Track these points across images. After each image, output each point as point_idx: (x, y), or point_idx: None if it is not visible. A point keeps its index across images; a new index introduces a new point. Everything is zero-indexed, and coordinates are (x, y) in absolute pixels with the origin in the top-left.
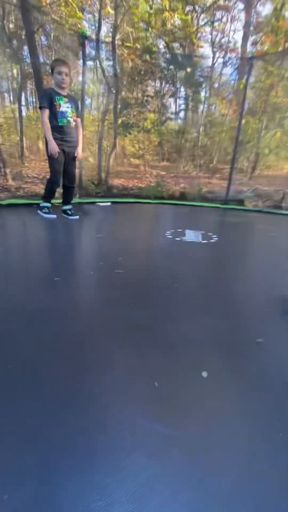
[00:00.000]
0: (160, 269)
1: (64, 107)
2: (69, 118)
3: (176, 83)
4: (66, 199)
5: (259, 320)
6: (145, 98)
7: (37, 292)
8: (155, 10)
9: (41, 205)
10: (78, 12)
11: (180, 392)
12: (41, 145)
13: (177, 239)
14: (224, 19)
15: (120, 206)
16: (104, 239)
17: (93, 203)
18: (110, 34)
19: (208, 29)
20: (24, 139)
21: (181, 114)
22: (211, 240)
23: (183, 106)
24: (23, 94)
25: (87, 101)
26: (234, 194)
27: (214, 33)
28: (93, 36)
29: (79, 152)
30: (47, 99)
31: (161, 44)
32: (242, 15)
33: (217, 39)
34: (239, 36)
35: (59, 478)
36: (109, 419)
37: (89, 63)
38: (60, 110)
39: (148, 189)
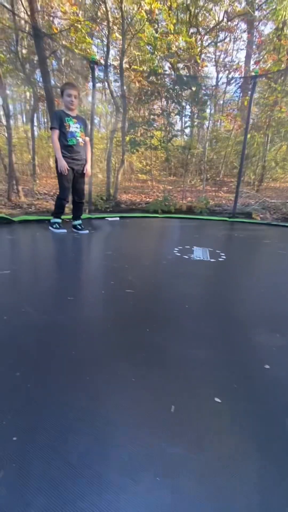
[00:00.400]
0: (170, 289)
1: (73, 127)
2: (78, 138)
3: (182, 102)
4: (76, 215)
5: (267, 345)
6: (152, 116)
7: (50, 311)
8: (160, 33)
9: (51, 221)
10: (87, 37)
11: (192, 416)
12: (51, 162)
13: (185, 256)
14: (227, 40)
15: (128, 220)
16: (113, 256)
17: (102, 218)
18: (118, 58)
19: (211, 49)
20: (36, 157)
21: (187, 130)
22: (219, 259)
23: (189, 123)
24: (35, 115)
25: (96, 120)
26: (241, 207)
27: (217, 53)
28: (102, 60)
29: (88, 169)
30: (57, 120)
31: (167, 66)
32: (245, 35)
33: (221, 58)
34: (242, 55)
35: (71, 496)
36: (119, 440)
37: (98, 85)
38: (70, 130)
39: (155, 204)
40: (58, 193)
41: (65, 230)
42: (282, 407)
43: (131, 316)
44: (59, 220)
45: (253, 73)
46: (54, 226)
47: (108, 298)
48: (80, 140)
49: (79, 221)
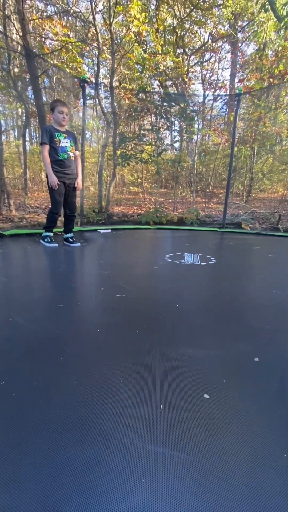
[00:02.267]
0: (161, 292)
1: (64, 142)
2: (68, 152)
3: (170, 118)
4: (68, 228)
5: (258, 339)
6: (142, 132)
7: (39, 319)
8: (149, 53)
9: (43, 234)
10: (78, 57)
11: (183, 414)
12: (43, 176)
13: (177, 262)
14: (213, 60)
15: (120, 232)
16: (105, 265)
17: (94, 230)
18: (108, 76)
19: (198, 68)
20: (28, 171)
21: (177, 144)
22: (210, 262)
23: (178, 138)
24: (27, 131)
25: (88, 135)
26: (231, 218)
27: (204, 72)
28: (92, 79)
29: (79, 182)
30: (47, 136)
31: (155, 84)
32: (229, 55)
33: (207, 77)
34: (227, 73)
35: (60, 500)
36: (111, 443)
37: (89, 101)
38: (60, 145)
39: (147, 215)
40: (50, 206)
41: (56, 244)
42: (271, 397)
43: (121, 320)
44: (50, 234)
45: (237, 91)
46: (46, 240)
47: (99, 304)
48: (71, 154)
49: (71, 234)
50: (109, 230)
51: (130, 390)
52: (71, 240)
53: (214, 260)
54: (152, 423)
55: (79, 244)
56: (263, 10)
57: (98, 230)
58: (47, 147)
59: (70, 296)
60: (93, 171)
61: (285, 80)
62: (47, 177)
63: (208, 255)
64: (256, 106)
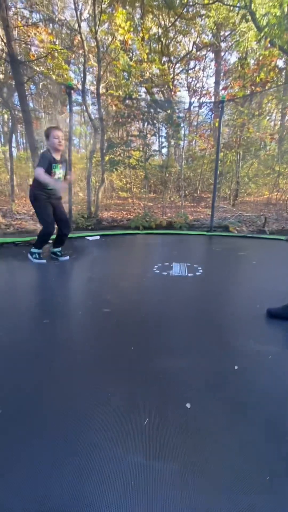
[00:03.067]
0: (147, 306)
1: (58, 174)
2: (56, 172)
3: (157, 124)
4: (57, 246)
5: (240, 349)
6: (129, 138)
7: (24, 336)
8: (135, 61)
9: (31, 250)
10: (64, 64)
11: (167, 425)
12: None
13: (164, 273)
14: (197, 68)
15: (110, 239)
16: (92, 278)
17: (83, 237)
18: (95, 83)
19: (183, 76)
20: (14, 178)
21: (164, 150)
22: (197, 273)
23: (165, 143)
24: (13, 137)
25: (76, 140)
26: (219, 221)
27: (189, 79)
28: (79, 86)
29: (71, 176)
30: (46, 164)
31: (142, 91)
32: (213, 64)
33: (192, 84)
34: (211, 81)
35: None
36: (98, 455)
37: (77, 108)
38: (54, 177)
39: (136, 220)
40: (41, 229)
41: (44, 261)
42: (251, 403)
43: (107, 334)
44: (40, 251)
45: (221, 98)
46: (34, 256)
47: (85, 319)
48: (58, 175)
49: (59, 249)
50: (98, 237)
51: (116, 404)
52: (59, 254)
53: (201, 271)
54: (138, 436)
55: (67, 257)
56: (244, 20)
57: (87, 237)
58: (43, 170)
59: (57, 311)
60: (81, 176)
61: (266, 87)
62: (32, 200)
63: (196, 264)
64: (240, 113)
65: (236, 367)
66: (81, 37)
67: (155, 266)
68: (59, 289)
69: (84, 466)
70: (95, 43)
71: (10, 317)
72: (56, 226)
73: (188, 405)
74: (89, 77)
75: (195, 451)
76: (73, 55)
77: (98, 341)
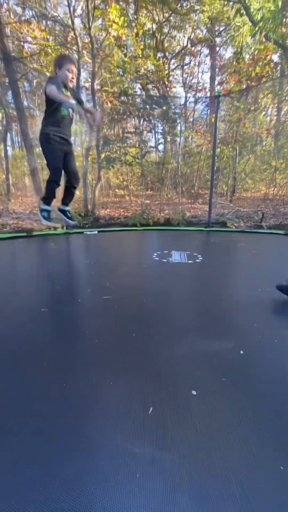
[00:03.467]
0: (148, 292)
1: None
2: (69, 110)
3: (153, 120)
4: (67, 201)
5: (244, 333)
6: (125, 134)
7: (23, 324)
8: (129, 57)
9: (41, 207)
10: None
11: (173, 413)
12: (27, 181)
13: (164, 260)
14: (192, 63)
15: (107, 233)
16: (91, 265)
17: (81, 233)
18: (89, 80)
19: (178, 71)
20: (10, 177)
21: (160, 147)
22: (197, 260)
23: (161, 140)
24: (8, 135)
25: (71, 138)
26: (216, 217)
27: (184, 75)
28: (74, 82)
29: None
30: (56, 84)
31: (137, 87)
32: (208, 59)
33: (188, 80)
34: (207, 76)
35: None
36: (101, 443)
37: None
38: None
39: (134, 217)
40: (48, 180)
41: (53, 223)
42: (259, 388)
43: (108, 322)
44: (49, 208)
45: (216, 93)
46: (43, 214)
47: (85, 306)
48: (72, 114)
49: (69, 208)
50: (96, 232)
51: (120, 393)
52: (69, 215)
53: (201, 258)
54: (143, 425)
55: (75, 222)
56: (238, 15)
57: (85, 232)
58: (55, 88)
59: (55, 299)
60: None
61: (261, 82)
62: (42, 139)
63: (195, 253)
64: (236, 108)
65: (241, 352)
66: (74, 34)
67: (154, 254)
68: (56, 276)
69: (87, 459)
70: (89, 39)
71: (6, 307)
72: (63, 178)
73: (194, 392)
74: (83, 74)
75: (201, 439)
76: (67, 52)
77: (98, 329)
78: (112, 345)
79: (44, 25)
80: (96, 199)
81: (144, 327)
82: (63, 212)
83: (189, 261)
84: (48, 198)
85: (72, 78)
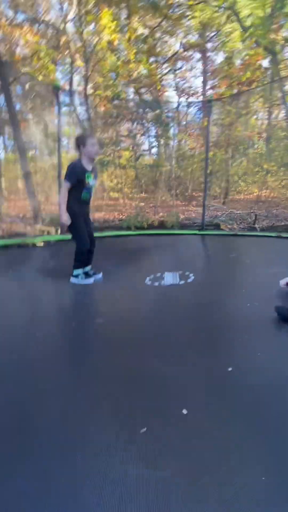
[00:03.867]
0: (142, 315)
1: (91, 183)
2: (91, 191)
3: (146, 123)
4: (89, 263)
5: (232, 350)
6: (119, 138)
7: (16, 348)
8: (122, 61)
9: (74, 273)
10: (50, 64)
11: (164, 433)
12: (20, 184)
13: (156, 284)
14: (184, 68)
15: (100, 242)
16: (83, 288)
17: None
18: (83, 84)
19: (171, 76)
20: (2, 180)
21: (154, 150)
22: (188, 280)
23: (155, 143)
24: (1, 139)
25: (65, 141)
26: (210, 219)
27: (177, 79)
28: (66, 86)
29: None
30: (75, 177)
31: (130, 91)
32: (200, 64)
33: (180, 84)
34: (199, 80)
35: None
36: (96, 466)
37: (65, 108)
38: (87, 186)
39: (128, 220)
40: (76, 248)
41: (92, 280)
42: (246, 403)
43: (103, 346)
44: (81, 271)
45: (208, 98)
46: (79, 277)
47: (79, 330)
48: (92, 191)
49: (89, 267)
50: None
51: (112, 413)
52: (92, 274)
53: (192, 277)
54: (135, 445)
55: (101, 275)
56: (229, 21)
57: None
58: (69, 186)
59: (49, 324)
60: None
61: (252, 86)
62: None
63: (187, 271)
64: (228, 112)
65: (230, 369)
66: (67, 38)
67: (148, 278)
68: (49, 298)
69: (80, 477)
70: (82, 44)
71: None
72: None
73: (184, 411)
74: (76, 78)
75: (193, 457)
76: (60, 56)
77: (92, 351)
78: (105, 366)
79: (36, 29)
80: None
81: (136, 348)
82: (86, 274)
83: (181, 282)
84: (80, 263)
85: (97, 151)
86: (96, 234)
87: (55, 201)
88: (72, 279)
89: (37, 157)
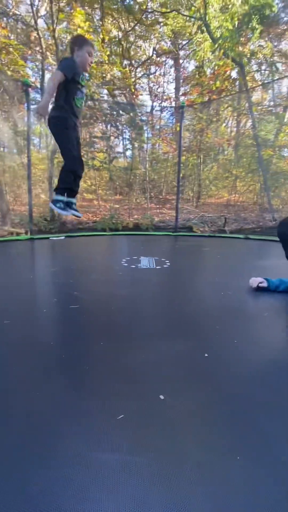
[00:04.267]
0: (117, 299)
1: (83, 89)
2: (83, 101)
3: (120, 126)
4: (75, 191)
5: (209, 337)
6: (92, 139)
7: None
8: (95, 62)
9: (54, 197)
10: (20, 60)
11: (142, 418)
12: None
13: (133, 266)
14: (158, 73)
15: (75, 239)
16: (57, 273)
17: (46, 238)
18: None
19: (145, 80)
20: None
21: (128, 152)
22: (164, 266)
23: (129, 146)
24: None
25: (36, 140)
26: (183, 222)
27: (150, 84)
28: (37, 83)
29: None
30: (71, 71)
31: (104, 93)
32: (173, 70)
33: (154, 89)
34: (172, 86)
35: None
36: (66, 452)
37: (35, 106)
38: (81, 90)
39: (103, 222)
40: (63, 168)
41: (68, 213)
42: (223, 389)
43: (75, 332)
44: (64, 198)
45: (181, 104)
46: (58, 205)
47: (50, 317)
48: (83, 104)
49: (75, 200)
50: (63, 237)
51: (88, 402)
52: (75, 207)
53: (168, 263)
54: (112, 431)
55: (81, 215)
56: (199, 31)
57: (51, 238)
58: (62, 78)
59: (19, 310)
60: (43, 178)
61: (221, 96)
62: (57, 122)
63: (163, 258)
64: (199, 118)
65: (206, 355)
66: (38, 34)
67: (123, 260)
68: (19, 285)
69: (59, 471)
70: (53, 41)
71: None
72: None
73: (161, 397)
74: (48, 76)
75: (171, 443)
76: (30, 51)
77: (64, 339)
78: (78, 355)
79: (4, 23)
80: None
81: (112, 335)
82: (69, 204)
83: (157, 267)
84: (63, 188)
85: (91, 62)
86: (69, 235)
87: (25, 201)
88: (52, 204)
89: (5, 156)
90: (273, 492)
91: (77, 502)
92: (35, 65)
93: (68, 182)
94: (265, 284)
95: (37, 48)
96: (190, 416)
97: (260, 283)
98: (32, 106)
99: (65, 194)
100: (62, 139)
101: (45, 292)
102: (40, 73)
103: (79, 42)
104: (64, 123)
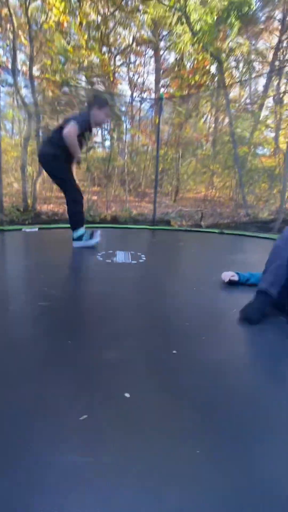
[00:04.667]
0: (88, 295)
1: (85, 141)
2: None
3: None
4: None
5: (178, 334)
6: None
7: None
8: (72, 46)
9: (75, 237)
10: None
11: (105, 417)
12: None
13: (108, 260)
14: (138, 62)
15: (50, 231)
16: (28, 268)
17: (19, 230)
18: (28, 63)
19: (124, 69)
20: None
21: (107, 143)
22: (140, 260)
23: (107, 136)
24: None
25: (8, 125)
26: (161, 216)
27: (130, 73)
28: (8, 64)
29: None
30: (83, 127)
31: (81, 79)
32: (153, 61)
33: (133, 79)
34: (152, 77)
35: None
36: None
37: (7, 88)
38: (82, 142)
39: None
40: (69, 201)
41: (98, 238)
42: (188, 386)
43: (42, 332)
44: (83, 231)
45: (160, 96)
46: (84, 239)
47: (15, 316)
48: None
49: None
50: (36, 229)
51: (51, 403)
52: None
53: (144, 258)
54: (76, 433)
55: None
56: (179, 23)
57: (24, 229)
58: (78, 130)
59: None
60: (16, 165)
61: (200, 90)
62: (60, 159)
63: (139, 253)
64: (179, 113)
65: (174, 352)
66: (9, 10)
67: (99, 254)
68: None
69: (20, 474)
70: (26, 19)
71: None
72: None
73: (127, 395)
74: (20, 56)
75: (134, 441)
76: (0, 29)
77: (29, 339)
78: (44, 354)
79: None
80: (38, 193)
81: (80, 333)
82: (92, 232)
83: (133, 261)
84: (79, 221)
85: (105, 122)
86: (44, 227)
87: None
88: (76, 243)
89: None
90: (240, 486)
91: (41, 505)
92: (5, 44)
93: (80, 218)
94: (236, 278)
95: (8, 26)
96: (155, 413)
97: (232, 276)
98: (2, 88)
99: (83, 225)
100: (64, 175)
101: (13, 288)
102: (12, 52)
103: (100, 102)
104: (66, 169)
